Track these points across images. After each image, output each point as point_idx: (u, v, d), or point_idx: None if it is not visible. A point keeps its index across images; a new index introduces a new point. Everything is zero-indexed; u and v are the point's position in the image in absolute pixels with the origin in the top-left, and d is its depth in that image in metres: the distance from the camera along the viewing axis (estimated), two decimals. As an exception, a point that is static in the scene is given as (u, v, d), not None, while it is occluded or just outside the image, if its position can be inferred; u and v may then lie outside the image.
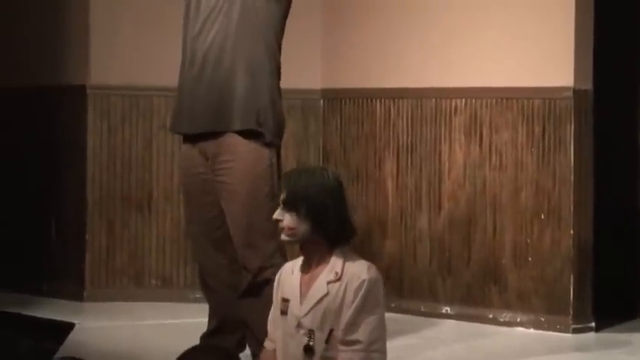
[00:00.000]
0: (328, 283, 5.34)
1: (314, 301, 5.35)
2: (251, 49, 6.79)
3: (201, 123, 6.86)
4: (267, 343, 5.62)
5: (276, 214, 5.43)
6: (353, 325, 5.27)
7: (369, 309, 5.29)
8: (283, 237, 5.44)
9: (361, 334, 5.27)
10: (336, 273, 5.34)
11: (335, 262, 5.37)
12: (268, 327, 5.65)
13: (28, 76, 10.16)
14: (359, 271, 5.34)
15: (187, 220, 7.33)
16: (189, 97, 6.93)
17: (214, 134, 6.81)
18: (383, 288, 5.39)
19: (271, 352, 5.55)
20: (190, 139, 6.97)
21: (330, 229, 5.35)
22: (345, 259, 5.37)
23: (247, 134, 6.74)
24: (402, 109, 9.39)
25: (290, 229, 5.37)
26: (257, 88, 6.79)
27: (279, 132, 6.89)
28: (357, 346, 5.26)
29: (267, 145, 6.78)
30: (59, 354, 7.20)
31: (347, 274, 5.33)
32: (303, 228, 5.36)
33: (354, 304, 5.28)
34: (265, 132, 6.76)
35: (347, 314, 5.28)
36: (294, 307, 5.40)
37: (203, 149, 6.87)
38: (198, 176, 6.94)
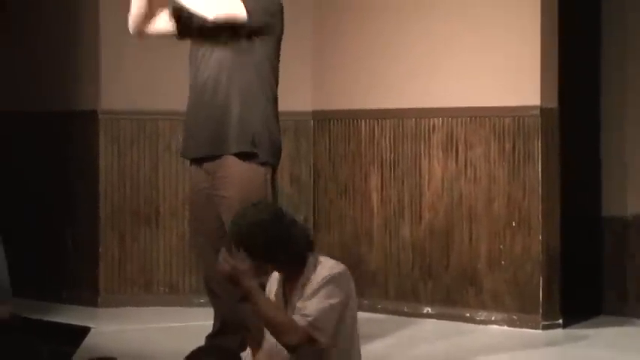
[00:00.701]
0: (303, 287, 5.37)
1: (292, 310, 5.38)
2: (244, 80, 6.82)
3: (203, 148, 6.92)
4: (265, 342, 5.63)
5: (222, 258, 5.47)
6: (307, 301, 5.30)
7: (325, 295, 5.29)
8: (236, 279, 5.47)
9: (311, 310, 5.27)
10: (309, 278, 5.36)
11: (307, 271, 5.39)
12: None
13: (45, 102, 10.15)
14: (325, 271, 5.37)
15: (193, 232, 7.31)
16: (193, 125, 6.99)
17: (215, 155, 6.86)
18: (348, 287, 5.42)
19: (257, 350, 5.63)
20: (196, 160, 7.00)
21: (279, 259, 5.42)
22: (316, 265, 5.41)
23: (244, 155, 6.78)
24: (385, 128, 9.38)
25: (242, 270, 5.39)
26: (251, 114, 6.81)
27: (274, 153, 6.91)
28: (305, 318, 5.26)
29: (263, 164, 6.81)
30: (77, 356, 7.13)
31: (313, 279, 5.37)
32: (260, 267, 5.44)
33: (313, 288, 5.32)
34: (260, 153, 6.80)
35: (308, 293, 5.34)
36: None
37: (206, 168, 6.91)
38: (202, 192, 6.97)
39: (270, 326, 5.30)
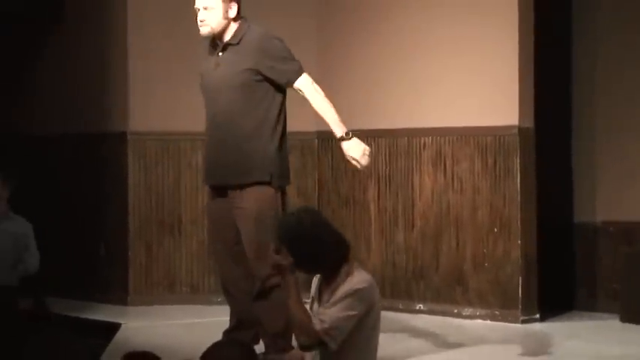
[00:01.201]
0: (332, 292, 5.36)
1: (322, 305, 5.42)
2: (253, 117, 6.81)
3: (220, 178, 6.92)
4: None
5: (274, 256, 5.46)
6: (328, 308, 5.28)
7: (344, 306, 5.28)
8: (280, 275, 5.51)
9: (328, 318, 5.25)
10: (339, 285, 5.33)
11: (340, 279, 5.36)
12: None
13: (80, 125, 10.14)
14: (353, 284, 5.33)
15: (211, 240, 7.29)
16: (211, 156, 7.00)
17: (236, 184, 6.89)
18: (371, 300, 5.37)
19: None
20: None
21: (314, 262, 5.40)
22: (348, 275, 5.37)
23: (259, 182, 6.81)
24: (381, 146, 9.37)
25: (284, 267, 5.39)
26: (261, 147, 6.80)
27: (283, 178, 6.92)
28: (321, 323, 5.24)
29: (274, 186, 6.83)
30: (110, 348, 7.17)
31: (344, 286, 5.33)
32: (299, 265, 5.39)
33: (337, 297, 5.29)
34: (272, 180, 6.82)
35: (333, 300, 5.31)
36: (315, 307, 5.47)
37: (225, 189, 6.91)
38: (221, 205, 6.96)
39: (292, 321, 5.33)
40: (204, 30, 6.88)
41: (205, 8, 6.85)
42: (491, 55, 8.79)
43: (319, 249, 5.37)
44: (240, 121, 6.79)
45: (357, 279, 5.36)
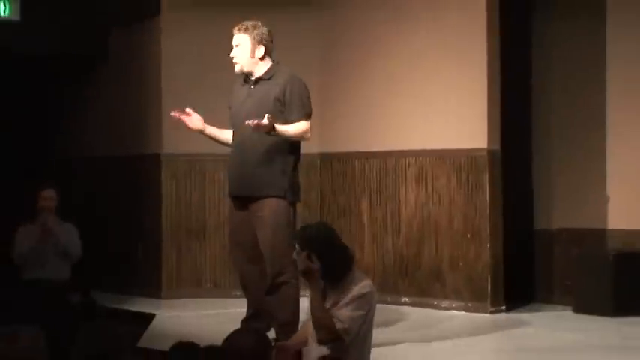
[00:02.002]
0: (339, 295, 5.33)
1: (328, 305, 5.35)
2: (274, 141, 6.73)
3: (241, 190, 6.88)
4: (303, 324, 5.64)
5: (295, 255, 5.44)
6: (342, 308, 5.26)
7: (356, 306, 5.28)
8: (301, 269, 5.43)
9: (345, 318, 5.25)
10: (347, 288, 5.32)
11: (346, 283, 5.34)
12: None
13: (121, 148, 10.19)
14: (360, 288, 5.33)
15: (232, 244, 7.20)
16: (236, 172, 6.93)
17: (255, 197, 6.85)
18: (372, 302, 5.38)
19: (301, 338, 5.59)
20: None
21: (333, 263, 5.34)
22: (354, 279, 5.36)
23: (276, 196, 6.79)
24: (373, 166, 9.35)
25: (308, 268, 5.34)
26: (279, 167, 6.76)
27: (295, 194, 6.88)
28: (341, 323, 5.23)
29: (287, 200, 6.80)
30: (146, 334, 7.20)
31: (352, 290, 5.33)
32: (314, 264, 5.31)
33: (349, 298, 5.27)
34: (287, 195, 6.78)
35: (344, 302, 5.28)
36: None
37: (246, 200, 6.89)
38: (241, 213, 6.94)
39: (316, 319, 5.26)
40: (236, 67, 6.89)
41: (236, 46, 6.87)
42: (465, 91, 8.76)
43: (340, 257, 5.38)
44: (264, 144, 6.73)
45: (363, 283, 5.36)
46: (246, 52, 6.84)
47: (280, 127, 6.65)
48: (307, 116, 6.79)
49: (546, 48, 9.36)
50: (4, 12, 9.59)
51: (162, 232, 9.71)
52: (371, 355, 5.52)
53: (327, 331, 5.24)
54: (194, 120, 7.08)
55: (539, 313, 8.71)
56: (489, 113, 8.67)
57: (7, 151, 10.84)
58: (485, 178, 8.67)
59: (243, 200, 6.89)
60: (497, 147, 8.74)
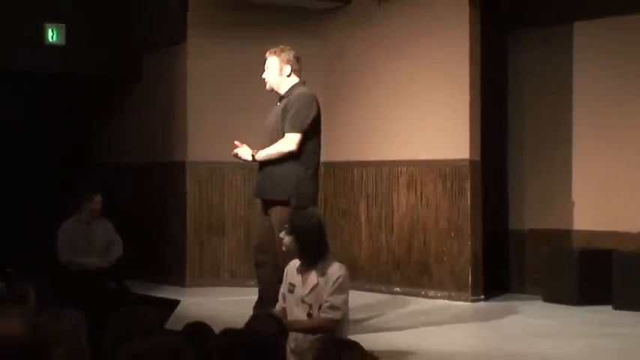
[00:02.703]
0: (318, 277, 5.35)
1: (309, 288, 5.37)
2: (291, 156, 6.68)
3: (260, 193, 6.83)
4: (278, 305, 5.57)
5: (282, 234, 5.50)
6: (332, 298, 5.28)
7: (342, 288, 5.32)
8: (283, 248, 5.50)
9: (338, 303, 5.27)
10: (322, 272, 5.34)
11: (322, 266, 5.37)
12: (279, 297, 5.60)
13: (152, 156, 10.15)
14: (336, 270, 5.35)
15: (253, 236, 7.16)
16: (257, 176, 6.92)
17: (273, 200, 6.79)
18: (350, 281, 5.42)
19: (282, 309, 5.53)
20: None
21: (310, 249, 5.40)
22: (328, 263, 5.39)
23: (285, 200, 6.69)
24: (370, 173, 9.34)
25: (287, 246, 5.43)
26: (289, 175, 6.66)
27: (304, 199, 6.70)
28: (336, 310, 5.25)
29: (292, 204, 6.65)
30: (172, 318, 7.18)
31: (329, 273, 5.35)
32: (293, 245, 5.39)
33: (334, 287, 5.27)
34: (292, 200, 6.63)
35: (328, 293, 5.28)
36: (298, 290, 5.40)
37: (264, 201, 6.86)
38: (261, 212, 6.90)
39: (320, 331, 5.26)
40: (267, 85, 6.86)
41: (267, 68, 6.84)
42: (450, 109, 8.74)
43: (321, 236, 5.41)
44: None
45: (337, 265, 5.39)
46: (274, 72, 6.81)
47: (260, 154, 6.66)
48: (297, 129, 6.63)
49: (520, 73, 9.35)
50: (52, 38, 9.65)
51: (186, 229, 9.68)
52: (364, 339, 5.49)
53: (329, 327, 5.26)
54: (244, 150, 6.87)
55: (514, 302, 8.67)
56: (471, 128, 8.66)
57: (51, 158, 10.86)
58: (467, 185, 8.66)
59: (262, 200, 6.88)
60: (477, 158, 8.73)
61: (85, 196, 8.71)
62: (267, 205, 6.79)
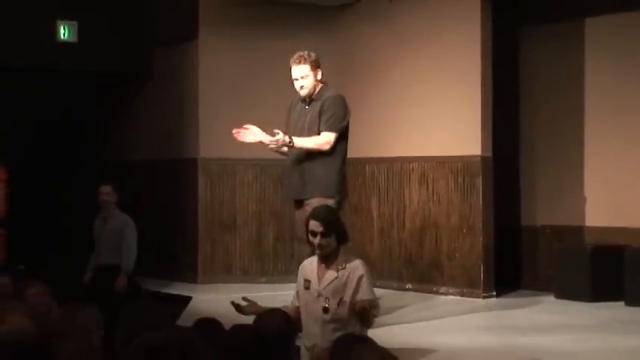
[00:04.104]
0: (337, 271, 5.33)
1: (328, 281, 5.35)
2: (327, 154, 6.76)
3: (301, 195, 6.81)
4: (291, 304, 5.55)
5: (317, 239, 5.40)
6: (363, 294, 5.28)
7: (370, 283, 5.34)
8: (327, 250, 5.41)
9: (371, 296, 5.30)
10: (342, 265, 5.33)
11: (340, 259, 5.36)
12: (293, 296, 5.59)
13: (165, 153, 10.18)
14: (356, 266, 5.34)
15: (295, 230, 7.11)
16: (289, 179, 6.94)
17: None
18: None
19: (296, 308, 5.51)
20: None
21: (340, 240, 5.38)
22: (346, 257, 5.39)
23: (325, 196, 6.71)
24: (382, 169, 9.34)
25: (326, 246, 5.37)
26: (325, 172, 6.73)
27: (339, 194, 6.80)
28: (372, 302, 5.27)
29: (333, 200, 6.70)
30: (184, 314, 7.19)
31: (349, 267, 5.34)
32: (334, 243, 5.36)
33: (363, 284, 5.27)
34: (335, 197, 6.71)
35: (358, 290, 5.27)
36: (314, 285, 5.39)
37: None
38: (298, 211, 6.88)
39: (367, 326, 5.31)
40: (304, 92, 6.84)
41: (302, 77, 6.82)
42: (462, 106, 8.73)
43: (344, 227, 5.43)
44: (313, 154, 6.76)
45: (357, 259, 5.41)
46: (311, 79, 6.84)
47: (298, 141, 6.69)
48: (334, 130, 6.77)
49: (532, 69, 9.34)
50: (65, 35, 9.70)
51: (198, 226, 9.70)
52: (379, 335, 5.50)
53: (371, 321, 5.31)
54: (252, 132, 6.82)
55: (525, 299, 8.66)
56: (483, 125, 8.65)
57: (62, 155, 10.91)
58: (479, 181, 8.64)
59: (299, 201, 6.89)
60: (489, 154, 8.72)
61: (96, 190, 8.66)
62: (304, 203, 6.80)
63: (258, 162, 9.42)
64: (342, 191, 6.87)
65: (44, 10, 9.55)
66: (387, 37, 9.32)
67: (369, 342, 3.09)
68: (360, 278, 5.31)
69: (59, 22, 9.64)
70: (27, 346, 2.55)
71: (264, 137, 6.75)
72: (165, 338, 2.68)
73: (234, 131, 6.85)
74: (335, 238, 5.35)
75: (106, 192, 8.55)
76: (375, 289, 5.45)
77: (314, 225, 5.37)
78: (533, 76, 9.31)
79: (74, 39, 9.70)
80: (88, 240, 8.69)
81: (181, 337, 2.73)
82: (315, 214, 5.51)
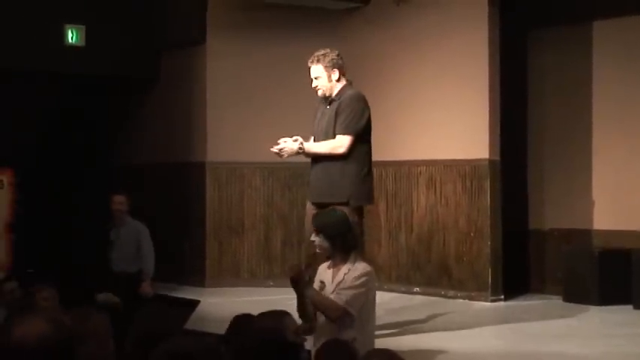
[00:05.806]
0: (344, 274, 5.36)
1: (336, 282, 5.37)
2: (348, 158, 6.65)
3: (319, 197, 6.66)
4: None
5: (312, 237, 5.46)
6: (346, 288, 5.27)
7: (360, 284, 5.30)
8: (317, 250, 5.48)
9: (347, 294, 5.26)
10: (350, 269, 5.35)
11: (348, 264, 5.37)
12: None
13: (172, 157, 10.21)
14: (360, 269, 5.35)
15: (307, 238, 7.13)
16: (312, 181, 6.83)
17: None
18: (373, 281, 5.37)
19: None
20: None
21: (338, 244, 5.38)
22: (354, 262, 5.38)
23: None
24: (389, 172, 9.32)
25: (319, 246, 5.41)
26: (347, 176, 6.61)
27: (361, 198, 6.70)
28: (342, 300, 5.24)
29: (351, 205, 6.52)
30: (192, 317, 7.19)
31: (353, 268, 5.35)
32: (325, 243, 5.39)
33: (354, 277, 5.29)
34: (350, 201, 6.56)
35: (345, 286, 5.29)
36: (328, 287, 5.41)
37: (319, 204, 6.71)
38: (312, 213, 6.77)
39: (320, 307, 5.25)
40: (320, 93, 6.79)
41: (316, 78, 6.77)
42: (470, 110, 8.75)
43: (348, 234, 5.39)
44: (333, 157, 6.66)
45: (363, 265, 5.39)
46: (324, 80, 6.76)
47: (309, 147, 6.62)
48: (349, 132, 6.64)
49: (540, 72, 9.34)
50: (72, 39, 9.72)
51: (206, 230, 9.72)
52: (385, 339, 5.51)
53: (332, 310, 5.24)
54: (287, 146, 6.69)
55: (534, 302, 8.70)
56: (490, 129, 8.67)
57: (70, 159, 10.92)
58: (487, 185, 8.66)
59: (318, 205, 6.74)
60: (497, 157, 8.74)
61: (109, 198, 8.65)
62: (322, 207, 6.68)
63: (266, 165, 9.44)
64: (360, 196, 6.67)
65: (52, 13, 9.58)
66: (394, 41, 9.33)
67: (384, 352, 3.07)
68: (356, 277, 5.31)
69: (67, 25, 9.68)
70: (47, 351, 2.57)
71: (292, 144, 6.66)
72: (190, 345, 2.70)
73: (273, 151, 6.70)
74: (328, 241, 5.35)
75: (120, 202, 8.51)
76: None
77: (312, 225, 5.49)
78: (541, 78, 9.32)
79: (82, 43, 9.73)
80: (96, 244, 8.69)
81: (208, 346, 2.74)
82: (315, 215, 5.59)
